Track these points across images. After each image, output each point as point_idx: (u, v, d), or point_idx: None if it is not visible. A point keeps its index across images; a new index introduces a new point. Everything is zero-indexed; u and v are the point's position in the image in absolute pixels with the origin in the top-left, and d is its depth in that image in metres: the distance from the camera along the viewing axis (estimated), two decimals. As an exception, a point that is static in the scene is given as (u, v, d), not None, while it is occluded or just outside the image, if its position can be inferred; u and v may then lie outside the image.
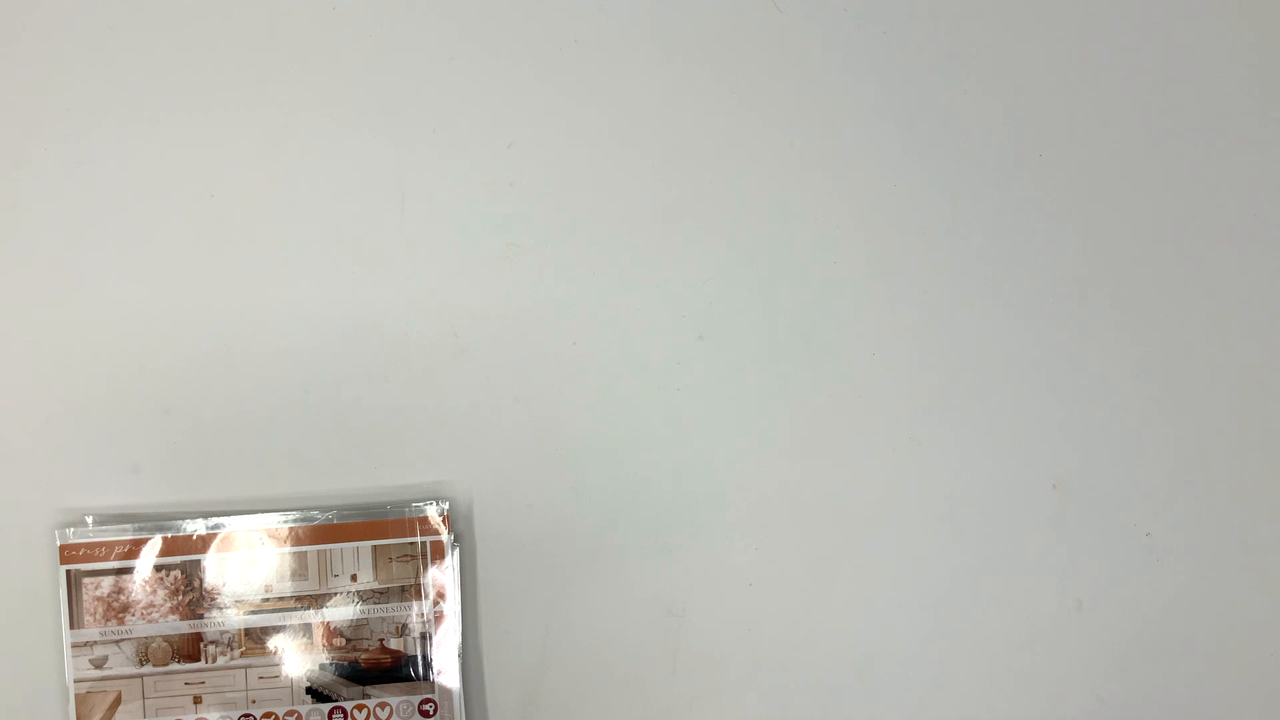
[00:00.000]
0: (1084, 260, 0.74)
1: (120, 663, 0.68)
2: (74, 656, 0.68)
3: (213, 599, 0.69)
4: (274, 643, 0.69)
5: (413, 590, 0.70)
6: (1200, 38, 0.75)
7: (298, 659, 0.69)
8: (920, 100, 0.74)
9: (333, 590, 0.69)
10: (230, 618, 0.69)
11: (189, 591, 0.69)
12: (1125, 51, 0.75)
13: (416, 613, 0.69)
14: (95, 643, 0.68)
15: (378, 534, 0.69)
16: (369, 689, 0.69)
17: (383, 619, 0.69)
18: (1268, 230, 0.75)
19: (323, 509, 0.70)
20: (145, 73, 0.70)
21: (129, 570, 0.68)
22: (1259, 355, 0.74)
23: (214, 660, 0.69)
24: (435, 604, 0.70)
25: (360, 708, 0.69)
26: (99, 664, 0.68)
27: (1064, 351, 0.74)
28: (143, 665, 0.68)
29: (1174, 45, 0.75)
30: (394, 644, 0.69)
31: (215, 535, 0.69)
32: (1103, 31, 0.75)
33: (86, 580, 0.68)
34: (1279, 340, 0.74)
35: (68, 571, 0.68)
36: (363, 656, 0.69)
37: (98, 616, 0.68)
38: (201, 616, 0.69)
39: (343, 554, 0.69)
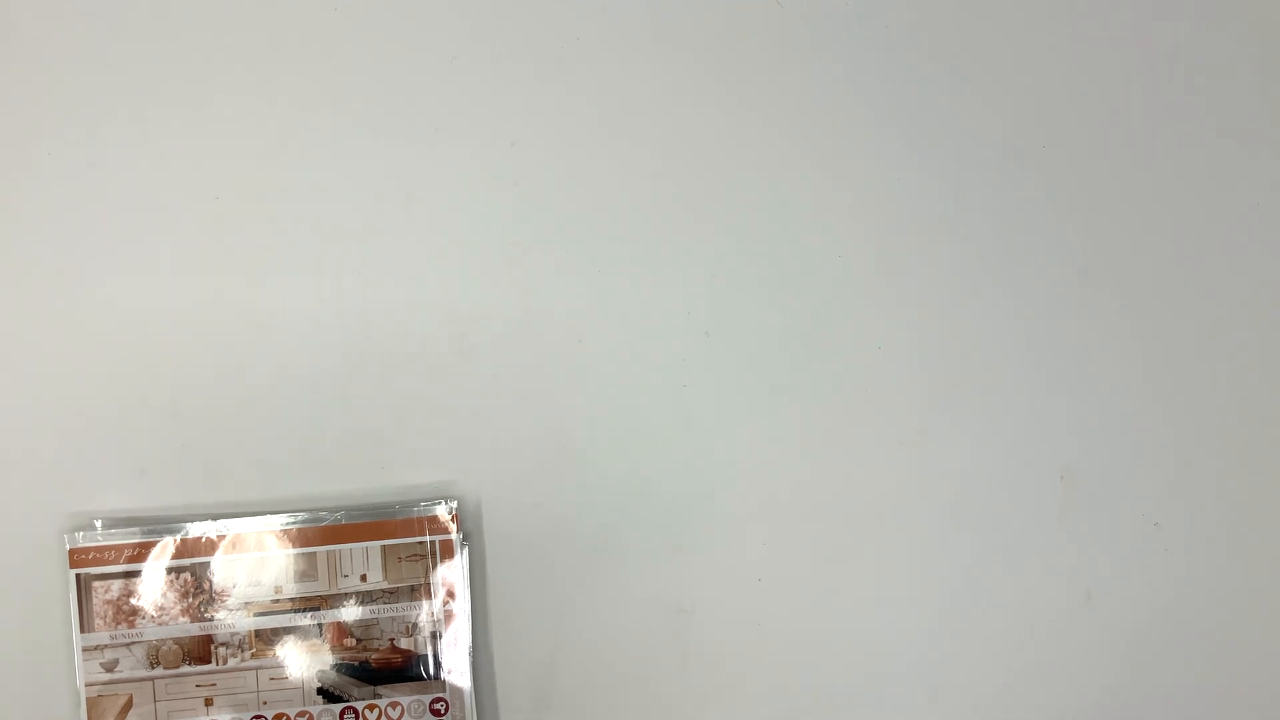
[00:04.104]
0: (1089, 251, 0.74)
1: (131, 666, 0.68)
2: (85, 660, 0.68)
3: (223, 601, 0.69)
4: (284, 644, 0.69)
5: (422, 589, 0.70)
6: (1202, 29, 0.75)
7: (308, 660, 0.69)
8: (923, 94, 0.74)
9: (342, 590, 0.69)
10: (240, 619, 0.69)
11: (199, 594, 0.69)
12: (1128, 43, 0.75)
13: (426, 612, 0.70)
14: (106, 646, 0.68)
15: (386, 534, 0.70)
16: (380, 689, 0.69)
17: (393, 619, 0.69)
18: (1272, 220, 0.75)
19: (331, 509, 0.70)
20: (149, 76, 0.70)
21: (138, 573, 0.68)
22: (1265, 344, 0.74)
23: (225, 662, 0.69)
24: (445, 603, 0.70)
25: (371, 708, 0.69)
26: (110, 667, 0.68)
27: (1070, 342, 0.74)
28: (153, 668, 0.68)
29: (1176, 36, 0.75)
30: (404, 643, 0.70)
31: (224, 537, 0.69)
32: (1105, 23, 0.75)
33: (96, 584, 0.68)
34: (1284, 329, 0.75)
35: (77, 575, 0.68)
36: (373, 656, 0.69)
37: (108, 620, 0.68)
38: (212, 618, 0.69)
39: (352, 554, 0.69)
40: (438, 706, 0.69)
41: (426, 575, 0.70)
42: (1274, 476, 0.74)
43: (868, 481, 0.73)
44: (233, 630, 0.69)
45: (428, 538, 0.70)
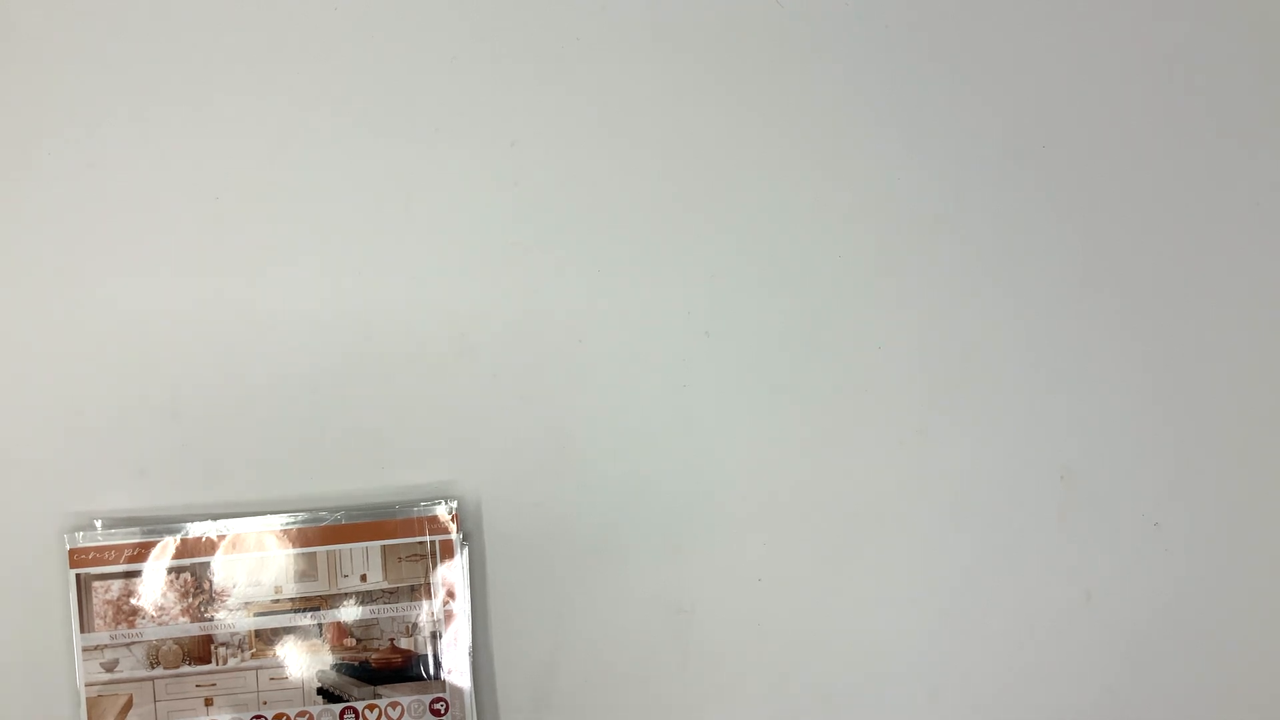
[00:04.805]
0: (1089, 251, 0.74)
1: (131, 666, 0.68)
2: (85, 660, 0.68)
3: (223, 601, 0.69)
4: (284, 644, 0.69)
5: (422, 589, 0.70)
6: (1202, 29, 0.75)
7: (308, 660, 0.69)
8: (923, 94, 0.74)
9: (342, 590, 0.69)
10: (240, 619, 0.69)
11: (199, 594, 0.69)
12: (1127, 43, 0.75)
13: (426, 612, 0.70)
14: (106, 646, 0.68)
15: (386, 534, 0.70)
16: (380, 689, 0.69)
17: (393, 619, 0.69)
18: (1272, 220, 0.75)
19: (331, 509, 0.70)
20: (149, 75, 0.70)
21: (138, 573, 0.68)
22: (1265, 344, 0.74)
23: (225, 662, 0.69)
24: (445, 603, 0.70)
25: (371, 708, 0.69)
26: (110, 667, 0.68)
27: (1070, 343, 0.74)
28: (153, 668, 0.68)
29: (1176, 36, 0.75)
30: (404, 643, 0.70)
31: (224, 537, 0.69)
32: (1105, 23, 0.75)
33: (96, 584, 0.68)
34: (1284, 329, 0.75)
35: (77, 575, 0.68)
36: (373, 656, 0.69)
37: (108, 620, 0.68)
38: (212, 618, 0.69)
39: (352, 554, 0.69)
40: (438, 706, 0.69)
41: (426, 575, 0.70)
42: (1274, 476, 0.74)
43: (868, 481, 0.73)
44: (233, 630, 0.69)
45: (428, 538, 0.70)
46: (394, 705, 0.69)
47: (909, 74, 0.74)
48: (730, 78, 0.73)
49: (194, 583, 0.69)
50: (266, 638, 0.69)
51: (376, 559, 0.70)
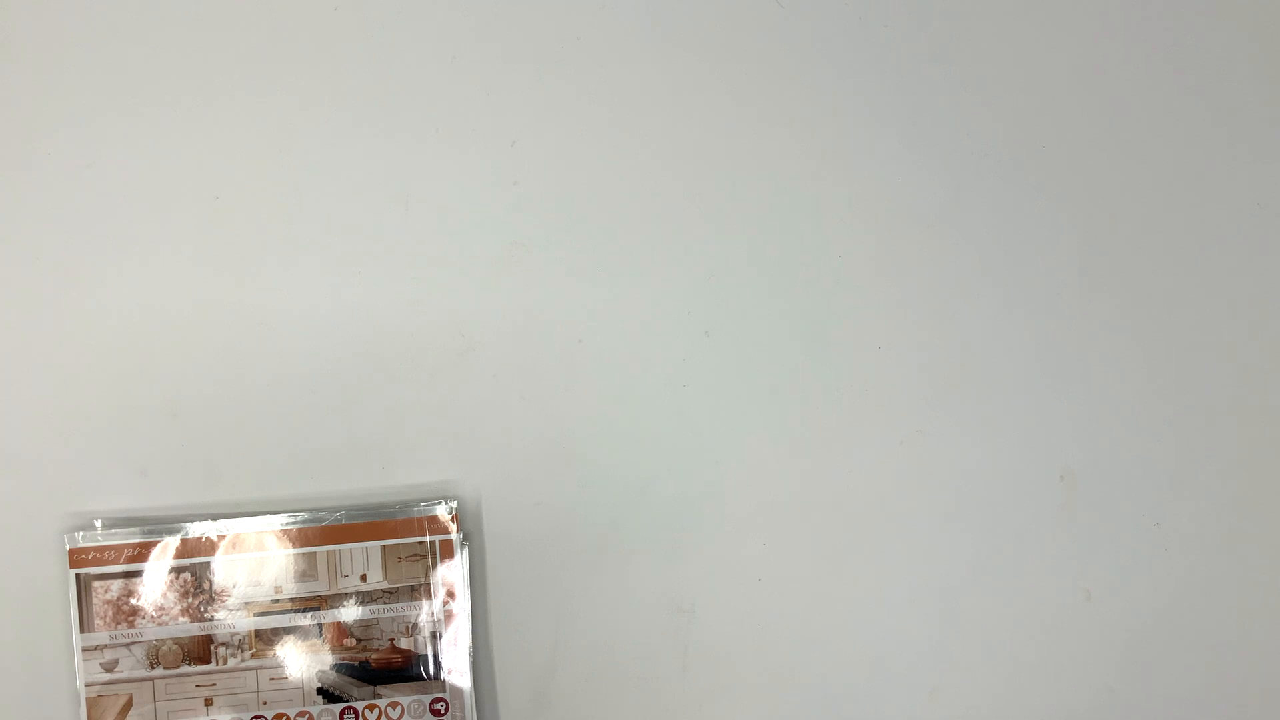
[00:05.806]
0: (1089, 251, 0.74)
1: (131, 666, 0.68)
2: (84, 660, 0.68)
3: (222, 601, 0.69)
4: (284, 644, 0.69)
5: (422, 589, 0.70)
6: (1202, 28, 0.75)
7: (308, 660, 0.69)
8: (923, 94, 0.74)
9: (342, 590, 0.69)
10: (240, 619, 0.69)
11: (199, 594, 0.69)
12: (1127, 43, 0.75)
13: (426, 612, 0.70)
14: (105, 646, 0.68)
15: (387, 534, 0.70)
16: (380, 689, 0.69)
17: (392, 619, 0.69)
18: (1272, 220, 0.75)
19: (331, 509, 0.70)
20: (148, 76, 0.70)
21: (138, 573, 0.68)
22: (1266, 344, 0.74)
23: (225, 662, 0.69)
24: (445, 603, 0.70)
25: (371, 708, 0.69)
26: (109, 667, 0.68)
27: (1070, 342, 0.74)
28: (153, 668, 0.68)
29: (1175, 36, 0.75)
30: (404, 644, 0.70)
31: (224, 537, 0.69)
32: (1105, 23, 0.75)
33: (96, 584, 0.68)
34: (1284, 329, 0.75)
35: (77, 575, 0.68)
36: (373, 656, 0.69)
37: (108, 620, 0.68)
38: (212, 618, 0.69)
39: (352, 554, 0.69)
40: (438, 706, 0.69)
41: (426, 575, 0.70)
42: (1274, 476, 0.74)
43: (867, 481, 0.73)
44: (233, 630, 0.69)
45: (428, 538, 0.70)
46: (394, 705, 0.69)
47: (909, 74, 0.74)
48: (730, 78, 0.73)
49: (194, 583, 0.69)
50: (266, 638, 0.69)
51: (376, 559, 0.70)
